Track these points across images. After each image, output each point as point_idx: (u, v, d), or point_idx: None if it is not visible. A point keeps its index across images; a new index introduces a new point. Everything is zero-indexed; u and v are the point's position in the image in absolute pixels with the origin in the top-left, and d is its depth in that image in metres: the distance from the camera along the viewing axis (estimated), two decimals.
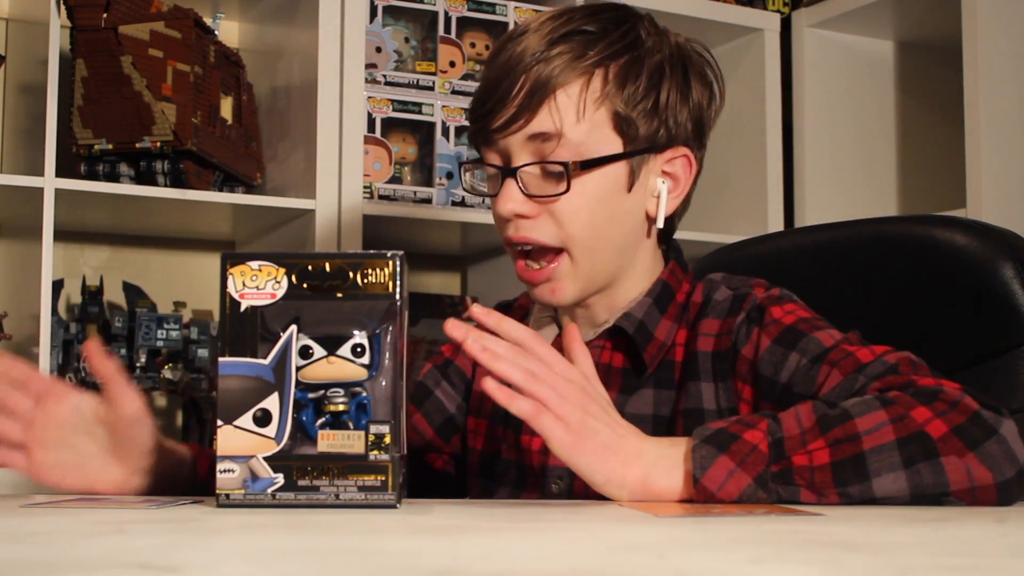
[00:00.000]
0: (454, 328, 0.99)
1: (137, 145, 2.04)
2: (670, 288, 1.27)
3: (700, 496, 0.98)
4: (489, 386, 0.98)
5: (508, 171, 1.20)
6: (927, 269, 1.38)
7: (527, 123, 1.19)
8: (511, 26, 2.31)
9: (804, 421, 1.00)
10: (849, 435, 0.98)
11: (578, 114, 1.19)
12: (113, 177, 2.06)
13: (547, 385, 1.00)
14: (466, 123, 2.25)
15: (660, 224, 1.25)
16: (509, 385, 1.00)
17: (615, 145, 1.21)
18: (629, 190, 1.23)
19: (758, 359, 1.17)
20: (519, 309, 1.40)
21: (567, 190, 1.19)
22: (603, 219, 1.21)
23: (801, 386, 1.13)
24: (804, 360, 1.14)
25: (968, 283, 1.34)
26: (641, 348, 1.23)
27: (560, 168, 1.19)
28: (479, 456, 1.34)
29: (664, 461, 1.02)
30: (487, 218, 2.25)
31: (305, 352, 0.92)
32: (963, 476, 0.97)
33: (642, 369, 1.24)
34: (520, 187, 1.20)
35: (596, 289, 1.24)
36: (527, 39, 1.20)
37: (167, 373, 2.19)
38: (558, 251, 1.21)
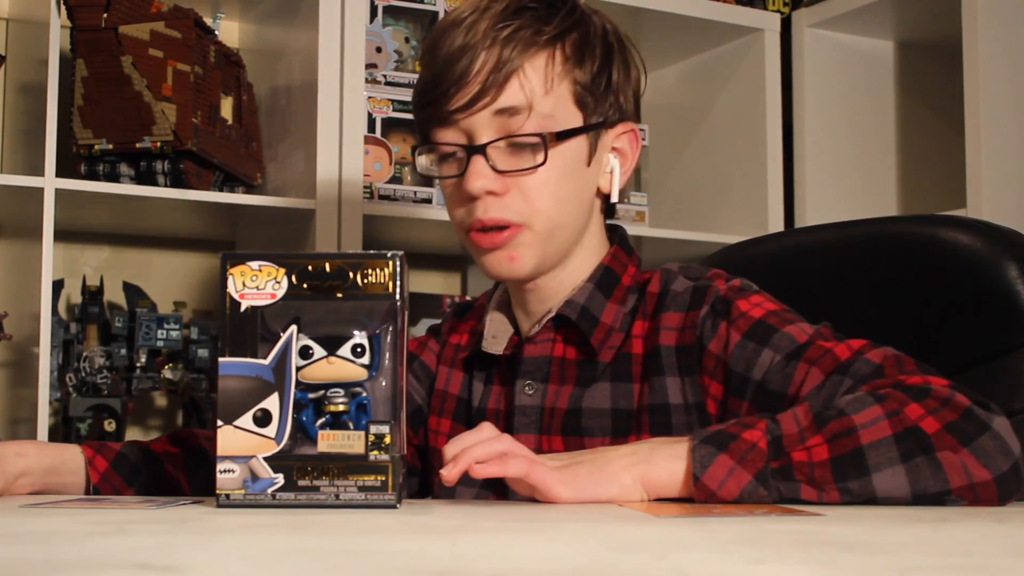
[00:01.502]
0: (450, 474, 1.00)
1: (137, 145, 2.04)
2: (612, 272, 1.26)
3: (701, 495, 0.98)
4: (477, 473, 0.99)
5: (476, 148, 1.19)
6: (931, 269, 1.38)
7: (495, 99, 1.18)
8: None
9: (802, 419, 1.01)
10: (846, 429, 0.98)
11: (546, 87, 1.20)
12: (113, 177, 2.06)
13: (524, 452, 1.02)
14: None
15: (615, 198, 1.27)
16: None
17: (577, 119, 1.22)
18: (588, 164, 1.24)
19: (727, 355, 1.16)
20: (479, 309, 1.39)
21: (544, 162, 1.19)
22: (568, 193, 1.22)
23: (777, 384, 1.13)
24: (778, 357, 1.13)
25: (972, 283, 1.33)
26: (587, 333, 1.23)
27: (532, 141, 1.19)
28: (442, 457, 1.33)
29: (664, 449, 1.02)
30: None
31: (305, 352, 0.92)
32: (961, 473, 0.97)
33: (592, 355, 1.23)
34: (490, 164, 1.19)
35: (551, 265, 1.24)
36: (477, 21, 1.20)
37: (167, 373, 2.19)
38: (518, 228, 1.20)
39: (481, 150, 1.19)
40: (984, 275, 1.32)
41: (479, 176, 1.18)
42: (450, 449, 1.02)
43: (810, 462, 0.98)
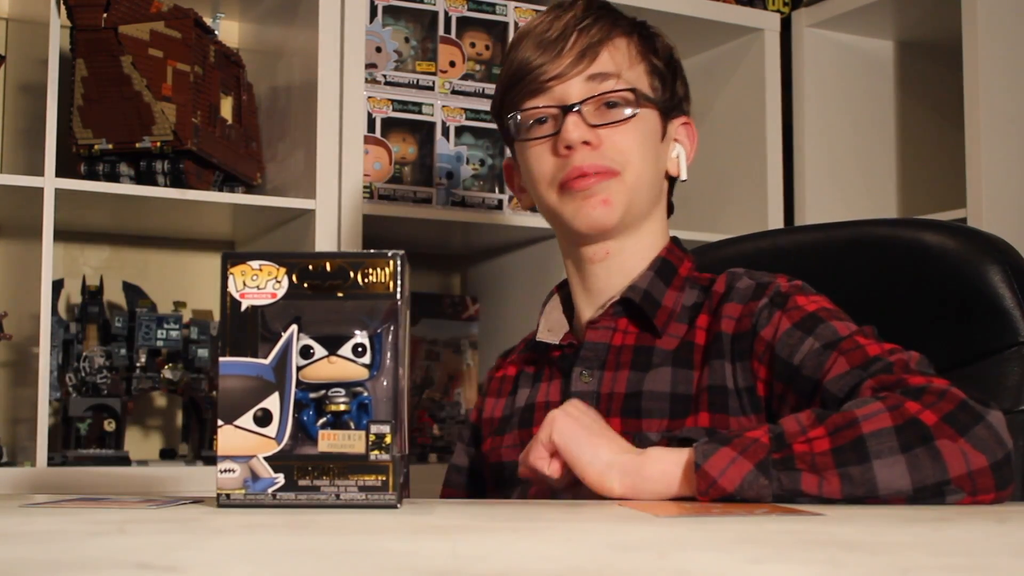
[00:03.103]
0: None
1: (137, 145, 2.04)
2: (670, 263, 1.35)
3: (702, 483, 0.99)
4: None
5: (570, 107, 1.30)
6: (917, 272, 1.38)
7: (588, 66, 1.31)
8: (511, 26, 2.31)
9: (803, 419, 1.04)
10: (848, 421, 1.01)
11: (630, 61, 1.34)
12: (113, 177, 2.06)
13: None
14: (467, 123, 2.26)
15: (684, 176, 1.39)
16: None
17: (653, 96, 1.35)
18: (661, 140, 1.36)
19: (775, 340, 1.22)
20: (522, 343, 1.48)
21: (634, 115, 1.31)
22: (649, 156, 1.33)
23: (810, 369, 1.17)
24: (817, 344, 1.18)
25: (958, 286, 1.34)
26: (651, 314, 1.30)
27: (623, 97, 1.31)
28: (496, 468, 1.39)
29: (659, 452, 1.06)
30: (487, 218, 2.25)
31: (306, 352, 0.92)
32: (960, 460, 0.99)
33: (653, 338, 1.30)
34: (584, 120, 1.30)
35: (632, 222, 1.33)
36: (559, 17, 1.33)
37: (167, 373, 2.19)
38: (612, 174, 1.30)
39: (575, 107, 1.30)
40: (970, 278, 1.33)
41: (575, 128, 1.29)
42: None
43: (811, 452, 1.00)
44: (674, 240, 1.40)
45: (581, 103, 1.29)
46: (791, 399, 1.19)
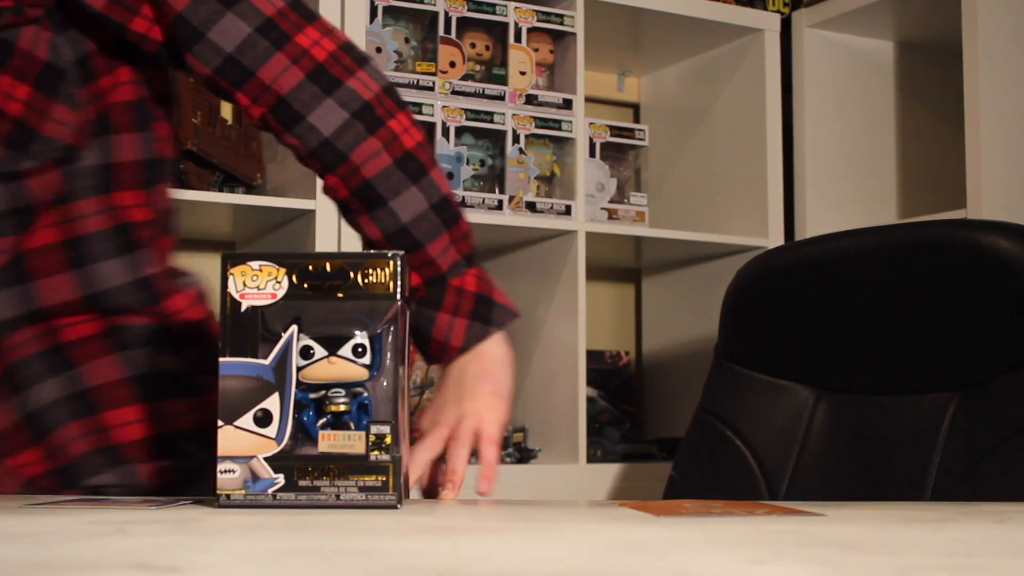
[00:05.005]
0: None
1: None
2: None
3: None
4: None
5: None
6: (971, 273, 1.39)
7: None
8: (511, 26, 2.31)
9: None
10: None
11: None
12: None
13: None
14: (467, 123, 2.26)
15: None
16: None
17: None
18: None
19: None
20: None
21: None
22: None
23: None
24: None
25: (1012, 287, 1.34)
26: None
27: None
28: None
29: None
30: (487, 218, 2.25)
31: (306, 352, 0.92)
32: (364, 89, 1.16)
33: None
34: None
35: None
36: None
37: None
38: None
39: None
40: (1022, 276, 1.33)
41: None
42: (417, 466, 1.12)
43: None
44: None
45: None
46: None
